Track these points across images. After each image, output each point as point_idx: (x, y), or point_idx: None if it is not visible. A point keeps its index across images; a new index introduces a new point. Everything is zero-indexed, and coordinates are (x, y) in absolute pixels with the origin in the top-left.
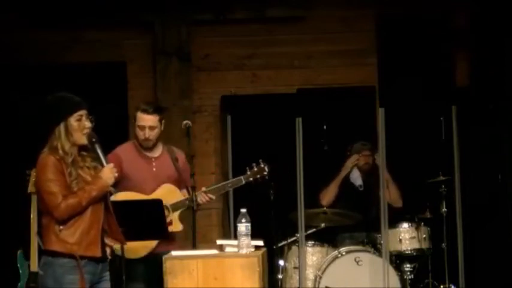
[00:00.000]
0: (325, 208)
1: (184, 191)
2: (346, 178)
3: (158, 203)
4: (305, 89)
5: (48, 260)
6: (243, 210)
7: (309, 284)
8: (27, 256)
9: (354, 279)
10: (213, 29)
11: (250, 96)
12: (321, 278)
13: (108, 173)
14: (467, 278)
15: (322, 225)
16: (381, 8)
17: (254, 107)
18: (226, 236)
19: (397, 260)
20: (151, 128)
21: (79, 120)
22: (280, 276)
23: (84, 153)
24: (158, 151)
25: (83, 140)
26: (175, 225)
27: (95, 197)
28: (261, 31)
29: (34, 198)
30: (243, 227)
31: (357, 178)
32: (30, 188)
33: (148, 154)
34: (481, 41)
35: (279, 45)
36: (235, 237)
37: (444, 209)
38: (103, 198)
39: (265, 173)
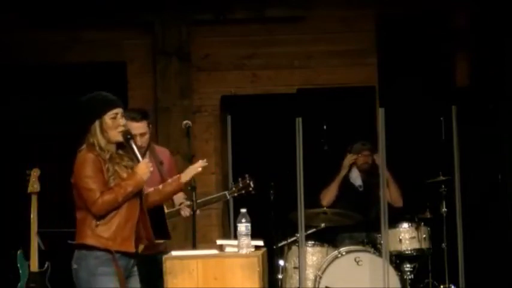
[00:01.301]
0: (325, 208)
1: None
2: (346, 178)
3: None
4: (305, 89)
5: (82, 253)
6: (243, 210)
7: (309, 284)
8: (27, 256)
9: (354, 279)
10: (213, 29)
11: (250, 96)
12: (321, 278)
13: (144, 168)
14: (467, 278)
15: (322, 225)
16: (381, 8)
17: (254, 107)
18: (226, 236)
19: (397, 260)
20: (142, 134)
21: (114, 118)
22: (280, 276)
23: (121, 152)
24: (145, 157)
25: (118, 138)
26: None
27: (130, 192)
28: (261, 31)
29: (34, 198)
30: (243, 227)
31: (356, 178)
32: (30, 188)
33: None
34: (481, 41)
35: (279, 45)
36: (235, 237)
37: (444, 209)
38: (138, 194)
39: (251, 188)
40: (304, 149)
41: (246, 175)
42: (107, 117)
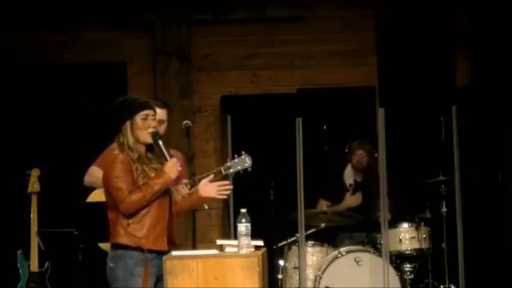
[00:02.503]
0: (325, 208)
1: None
2: (341, 174)
3: None
4: (305, 89)
5: (118, 252)
6: (243, 210)
7: (309, 284)
8: (27, 256)
9: (354, 279)
10: (213, 29)
11: (250, 96)
12: (321, 278)
13: (172, 167)
14: (467, 278)
15: (322, 225)
16: (381, 8)
17: (254, 107)
18: (226, 236)
19: (397, 260)
20: (161, 122)
21: (144, 119)
22: (280, 276)
23: (151, 156)
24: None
25: (147, 138)
26: None
27: (158, 190)
28: (261, 31)
29: (34, 198)
30: (243, 227)
31: (348, 176)
32: (30, 188)
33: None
34: (481, 41)
35: (279, 45)
36: (235, 237)
37: (444, 209)
38: (168, 195)
39: (247, 165)
40: (304, 149)
41: (242, 151)
42: (138, 118)
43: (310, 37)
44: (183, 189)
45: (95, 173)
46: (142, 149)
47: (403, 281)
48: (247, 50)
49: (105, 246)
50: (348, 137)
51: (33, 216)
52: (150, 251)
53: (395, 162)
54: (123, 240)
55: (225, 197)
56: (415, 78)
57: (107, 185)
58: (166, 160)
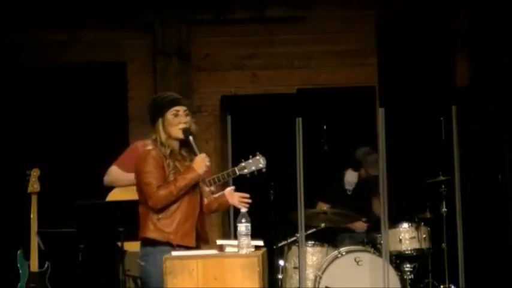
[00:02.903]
0: (325, 208)
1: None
2: (341, 177)
3: None
4: (305, 89)
5: (147, 250)
6: (243, 210)
7: (309, 284)
8: (27, 256)
9: (354, 279)
10: (213, 29)
11: (250, 96)
12: (321, 278)
13: (200, 162)
14: (467, 278)
15: (322, 225)
16: (381, 8)
17: (254, 107)
18: (226, 236)
19: (397, 260)
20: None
21: (175, 115)
22: (280, 276)
23: (185, 152)
24: None
25: (179, 134)
26: None
27: (185, 185)
28: (261, 31)
29: (34, 198)
30: (243, 227)
31: (349, 181)
32: (30, 188)
33: None
34: (481, 41)
35: (279, 45)
36: (235, 237)
37: (444, 209)
38: (198, 193)
39: (261, 165)
40: (304, 149)
41: (257, 152)
42: (169, 114)
43: (310, 37)
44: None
45: (114, 173)
46: (176, 145)
47: (403, 281)
48: (247, 50)
49: (129, 246)
50: (348, 137)
51: (33, 216)
52: (179, 247)
53: (396, 162)
54: (152, 235)
55: (245, 207)
56: (415, 78)
57: (138, 180)
58: (196, 156)
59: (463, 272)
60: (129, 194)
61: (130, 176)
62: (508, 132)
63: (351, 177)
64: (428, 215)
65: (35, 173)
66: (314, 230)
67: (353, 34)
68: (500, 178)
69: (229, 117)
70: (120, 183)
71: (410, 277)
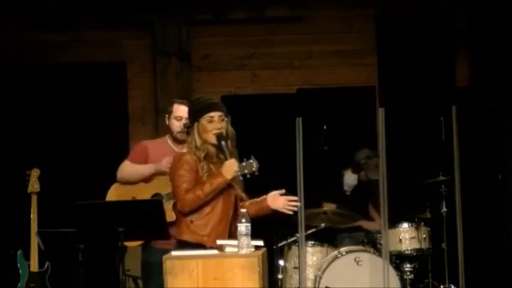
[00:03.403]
0: (325, 208)
1: None
2: (341, 177)
3: (158, 203)
4: (305, 89)
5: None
6: (243, 210)
7: (309, 284)
8: (27, 256)
9: (354, 279)
10: (213, 29)
11: (250, 96)
12: (321, 278)
13: (228, 168)
14: (467, 278)
15: (322, 225)
16: (381, 8)
17: (254, 107)
18: None
19: (397, 260)
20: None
21: (209, 121)
22: (280, 276)
23: (222, 157)
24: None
25: (212, 139)
26: (168, 215)
27: (213, 190)
28: (261, 31)
29: (34, 198)
30: (243, 227)
31: (349, 182)
32: (30, 188)
33: (176, 148)
34: (482, 41)
35: (279, 45)
36: (235, 237)
37: (444, 209)
38: (233, 193)
39: (254, 169)
40: (304, 149)
41: (252, 156)
42: (203, 120)
43: (310, 37)
44: None
45: (127, 168)
46: (212, 148)
47: (403, 281)
48: (247, 50)
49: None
50: (348, 137)
51: (33, 216)
52: (212, 248)
53: (396, 162)
54: (186, 237)
55: (291, 212)
56: (415, 78)
57: (171, 183)
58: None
59: (463, 272)
60: (128, 193)
61: (141, 168)
62: (508, 132)
63: (350, 180)
64: (428, 215)
65: (35, 173)
66: (314, 230)
67: (353, 34)
68: (500, 178)
69: (229, 117)
70: (132, 177)
71: (410, 277)
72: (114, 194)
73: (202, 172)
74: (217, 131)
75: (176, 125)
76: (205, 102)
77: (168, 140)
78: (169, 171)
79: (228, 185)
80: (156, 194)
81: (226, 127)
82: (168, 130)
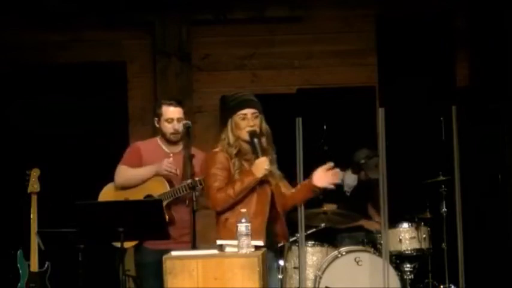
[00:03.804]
0: (325, 208)
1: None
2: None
3: (158, 203)
4: (305, 89)
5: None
6: (243, 210)
7: (309, 284)
8: (27, 256)
9: (354, 279)
10: (213, 29)
11: None
12: (321, 278)
13: (258, 166)
14: (467, 278)
15: (322, 225)
16: (381, 8)
17: None
18: None
19: (397, 260)
20: (179, 120)
21: (243, 118)
22: (280, 276)
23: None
24: (178, 148)
25: (246, 137)
26: None
27: (244, 188)
28: (261, 31)
29: (34, 198)
30: (243, 227)
31: (348, 183)
32: (30, 188)
33: (168, 149)
34: (482, 41)
35: (279, 45)
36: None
37: (444, 209)
38: (268, 190)
39: None
40: (304, 149)
41: None
42: (237, 117)
43: (310, 37)
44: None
45: (125, 173)
46: (245, 145)
47: (403, 281)
48: (247, 50)
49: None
50: (348, 137)
51: (33, 216)
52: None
53: (396, 162)
54: (222, 235)
55: (332, 186)
56: (415, 78)
57: (204, 182)
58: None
59: (463, 272)
60: (120, 195)
61: (141, 171)
62: (508, 132)
63: (350, 180)
64: (428, 215)
65: (35, 173)
66: (314, 230)
67: (353, 34)
68: (500, 178)
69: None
70: (132, 181)
71: (410, 277)
72: (105, 196)
73: (234, 169)
74: (250, 129)
75: (168, 127)
76: (239, 99)
77: (158, 140)
78: (201, 169)
79: (262, 182)
80: (148, 196)
81: (259, 124)
82: (159, 132)
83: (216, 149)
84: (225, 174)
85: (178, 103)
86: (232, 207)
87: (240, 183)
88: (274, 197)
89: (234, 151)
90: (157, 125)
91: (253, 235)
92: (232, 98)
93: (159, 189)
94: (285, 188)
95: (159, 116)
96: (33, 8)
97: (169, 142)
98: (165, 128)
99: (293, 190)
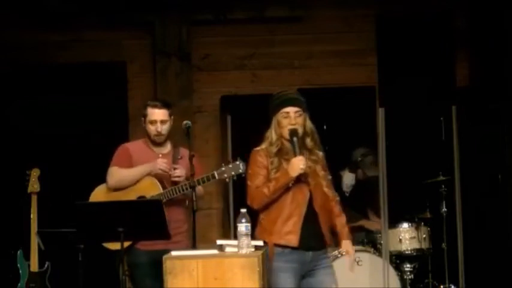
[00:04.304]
0: None
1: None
2: (340, 179)
3: (158, 203)
4: (305, 89)
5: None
6: (243, 210)
7: None
8: (27, 256)
9: (354, 279)
10: (213, 29)
11: (250, 96)
12: None
13: (293, 165)
14: (467, 278)
15: None
16: (381, 8)
17: (254, 107)
18: (226, 236)
19: (397, 260)
20: (163, 122)
21: (285, 117)
22: None
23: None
24: (167, 148)
25: (287, 135)
26: None
27: (279, 187)
28: (261, 31)
29: (34, 198)
30: (243, 227)
31: (347, 183)
32: (30, 188)
33: (157, 150)
34: (482, 41)
35: (279, 45)
36: (235, 237)
37: (444, 209)
38: (306, 191)
39: (241, 170)
40: None
41: (238, 157)
42: (279, 115)
43: (310, 37)
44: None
45: (117, 173)
46: (287, 143)
47: (403, 281)
48: (247, 50)
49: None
50: (348, 137)
51: (33, 216)
52: (277, 246)
53: (395, 162)
54: (259, 234)
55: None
56: (415, 78)
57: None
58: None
59: (463, 272)
60: (112, 197)
61: (134, 171)
62: (508, 132)
63: (348, 180)
64: (428, 215)
65: (35, 173)
66: None
67: (353, 34)
68: (500, 178)
69: (229, 117)
70: (125, 181)
71: (410, 277)
72: (96, 198)
73: (271, 168)
74: (291, 127)
75: (151, 129)
76: (282, 97)
77: (145, 142)
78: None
79: (299, 181)
80: (141, 197)
81: (303, 123)
82: (144, 132)
83: (258, 148)
84: (264, 173)
85: (165, 105)
86: (267, 206)
87: (275, 182)
88: (313, 198)
89: (275, 150)
90: (144, 125)
91: (287, 235)
92: (276, 97)
93: (151, 190)
94: (328, 189)
95: (144, 117)
96: (33, 8)
97: (154, 143)
98: (149, 130)
99: (338, 228)
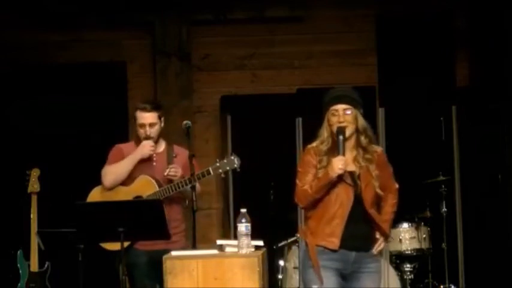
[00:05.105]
0: None
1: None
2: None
3: (158, 203)
4: (305, 89)
5: (302, 245)
6: (243, 210)
7: None
8: (27, 256)
9: None
10: (213, 29)
11: (250, 96)
12: None
13: (333, 165)
14: (467, 278)
15: None
16: (381, 8)
17: (254, 107)
18: (226, 236)
19: (397, 260)
20: (152, 125)
21: (333, 114)
22: (280, 276)
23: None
24: (161, 147)
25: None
26: None
27: (321, 187)
28: (261, 31)
29: (34, 198)
30: (243, 227)
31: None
32: (30, 188)
33: None
34: (482, 41)
35: (279, 45)
36: (235, 237)
37: (444, 209)
38: (352, 193)
39: (236, 165)
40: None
41: (232, 153)
42: (329, 113)
43: (310, 37)
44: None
45: (108, 170)
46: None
47: (403, 281)
48: (247, 50)
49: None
50: None
51: (33, 216)
52: (319, 247)
53: (395, 162)
54: (302, 233)
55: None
56: (415, 78)
57: None
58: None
59: (463, 272)
60: (109, 197)
61: (125, 162)
62: (509, 132)
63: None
64: (428, 215)
65: (35, 173)
66: None
67: (353, 34)
68: (500, 178)
69: (229, 117)
70: (120, 175)
71: (410, 277)
72: (93, 199)
73: (319, 167)
74: (339, 125)
75: (140, 132)
76: (332, 94)
77: (137, 143)
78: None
79: (343, 182)
80: (138, 197)
81: (353, 121)
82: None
83: (309, 145)
84: (313, 172)
85: (154, 107)
86: (313, 206)
87: (317, 181)
88: (363, 198)
89: (325, 148)
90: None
91: (328, 237)
92: (327, 94)
93: (147, 189)
94: (379, 190)
95: (134, 119)
96: (33, 8)
97: None
98: (139, 133)
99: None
